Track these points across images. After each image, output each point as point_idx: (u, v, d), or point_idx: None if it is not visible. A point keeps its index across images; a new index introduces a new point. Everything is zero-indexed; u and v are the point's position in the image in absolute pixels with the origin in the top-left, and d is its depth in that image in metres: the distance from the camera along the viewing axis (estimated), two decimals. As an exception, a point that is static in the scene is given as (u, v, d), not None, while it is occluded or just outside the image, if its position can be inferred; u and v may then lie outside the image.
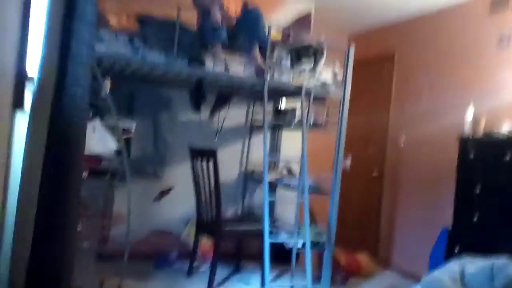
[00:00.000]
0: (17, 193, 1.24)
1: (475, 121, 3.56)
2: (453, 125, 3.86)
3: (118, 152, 2.93)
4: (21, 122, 1.24)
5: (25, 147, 1.24)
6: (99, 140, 2.85)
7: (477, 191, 3.35)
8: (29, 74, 1.24)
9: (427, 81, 4.45)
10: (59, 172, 1.26)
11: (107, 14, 2.88)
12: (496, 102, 3.67)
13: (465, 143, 3.54)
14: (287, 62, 3.42)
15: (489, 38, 3.83)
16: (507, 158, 3.14)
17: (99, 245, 3.27)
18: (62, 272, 1.38)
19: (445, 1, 4.19)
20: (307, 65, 3.46)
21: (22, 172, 1.23)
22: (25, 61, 1.23)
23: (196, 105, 3.76)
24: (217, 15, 2.96)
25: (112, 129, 2.97)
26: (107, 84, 2.86)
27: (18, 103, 1.21)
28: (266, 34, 3.23)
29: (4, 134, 1.18)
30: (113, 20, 2.90)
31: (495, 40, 3.77)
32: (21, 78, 1.22)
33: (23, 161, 1.24)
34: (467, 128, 3.60)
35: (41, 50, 1.28)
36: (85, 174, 2.78)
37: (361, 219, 5.18)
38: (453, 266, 1.74)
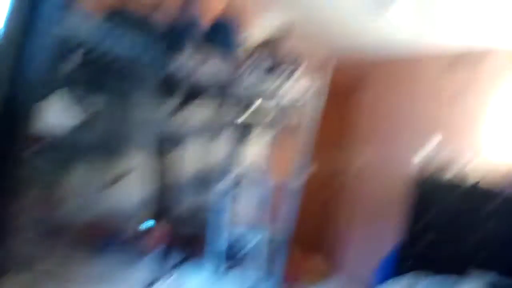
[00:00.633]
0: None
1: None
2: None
3: (77, 128, 2.90)
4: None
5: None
6: (58, 114, 2.81)
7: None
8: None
9: (387, 122, 4.54)
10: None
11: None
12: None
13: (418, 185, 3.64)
14: (261, 71, 3.42)
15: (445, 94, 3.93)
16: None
17: (45, 223, 3.22)
18: None
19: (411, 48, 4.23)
20: (281, 76, 3.47)
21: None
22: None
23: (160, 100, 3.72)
24: (192, 11, 2.93)
25: (73, 105, 2.93)
26: (72, 60, 2.83)
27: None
28: (238, 45, 3.21)
29: None
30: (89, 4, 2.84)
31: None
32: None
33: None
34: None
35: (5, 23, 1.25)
36: (37, 147, 2.75)
37: (320, 221, 5.23)
38: (403, 283, 1.77)
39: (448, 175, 3.55)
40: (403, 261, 3.58)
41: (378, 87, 4.76)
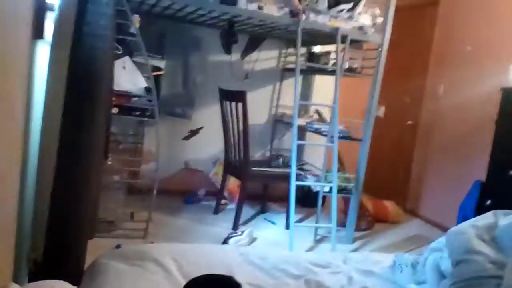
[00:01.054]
0: (39, 125, 1.26)
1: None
2: (497, 77, 3.67)
3: (148, 90, 2.95)
4: (42, 53, 1.24)
5: (46, 79, 1.25)
6: (128, 77, 2.86)
7: (515, 144, 3.22)
8: (50, 2, 1.22)
9: (472, 29, 4.18)
10: (81, 105, 1.27)
11: None
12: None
13: (508, 95, 3.36)
14: (324, 2, 3.25)
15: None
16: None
17: (129, 179, 3.38)
18: (85, 209, 1.42)
19: None
20: (345, 5, 3.29)
21: (44, 104, 1.25)
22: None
23: (227, 47, 3.70)
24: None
25: (142, 67, 2.97)
26: (136, 22, 2.83)
27: (38, 33, 1.20)
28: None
29: (24, 65, 1.19)
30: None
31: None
32: (41, 7, 1.21)
33: (45, 93, 1.25)
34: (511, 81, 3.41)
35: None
36: (115, 109, 2.83)
37: (391, 168, 5.12)
38: (484, 219, 1.69)
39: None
40: (484, 197, 3.43)
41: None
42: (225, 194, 4.02)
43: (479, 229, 1.61)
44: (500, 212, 1.77)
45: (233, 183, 4.06)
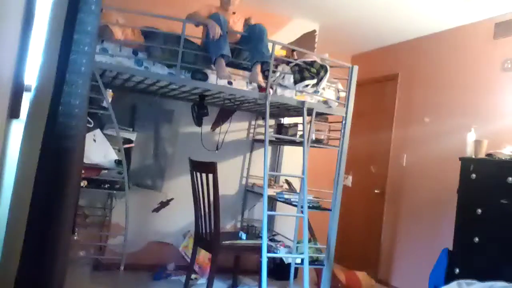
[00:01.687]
0: (9, 201, 1.24)
1: (477, 143, 3.55)
2: (455, 146, 3.87)
3: (118, 162, 2.94)
4: (17, 131, 1.25)
5: (19, 156, 1.25)
6: (99, 149, 2.87)
7: (479, 212, 3.32)
8: (27, 83, 1.25)
9: (430, 101, 4.46)
10: (52, 181, 1.26)
11: (112, 27, 2.92)
12: (498, 124, 3.68)
13: (467, 164, 3.52)
14: (290, 78, 3.43)
15: (493, 61, 3.85)
16: (509, 180, 3.12)
17: (96, 255, 3.27)
18: (52, 283, 1.37)
19: (448, 22, 4.22)
20: (310, 81, 3.47)
21: (14, 181, 1.24)
22: (23, 72, 1.25)
23: (198, 118, 3.79)
24: (214, 30, 2.98)
25: (113, 139, 2.99)
26: (108, 95, 2.89)
27: (14, 113, 1.22)
28: (270, 50, 3.25)
29: (-1, 142, 1.19)
30: (118, 33, 2.93)
31: (499, 63, 3.79)
32: (18, 89, 1.24)
33: (16, 170, 1.24)
34: (469, 150, 3.59)
35: (40, 60, 1.29)
36: (83, 183, 2.80)
37: (362, 237, 5.15)
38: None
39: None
40: (453, 266, 3.47)
41: (417, 67, 4.68)
42: (196, 268, 3.91)
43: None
44: (463, 282, 1.80)
45: (203, 256, 3.97)
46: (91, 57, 1.38)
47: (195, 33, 3.27)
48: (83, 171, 2.62)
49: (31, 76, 1.30)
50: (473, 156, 3.53)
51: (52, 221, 1.28)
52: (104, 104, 2.83)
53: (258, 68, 3.20)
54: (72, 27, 1.29)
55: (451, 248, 3.57)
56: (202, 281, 3.81)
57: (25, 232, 1.22)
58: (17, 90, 1.23)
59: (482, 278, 2.39)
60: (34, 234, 1.23)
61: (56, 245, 1.32)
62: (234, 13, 3.59)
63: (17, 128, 1.27)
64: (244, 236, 3.67)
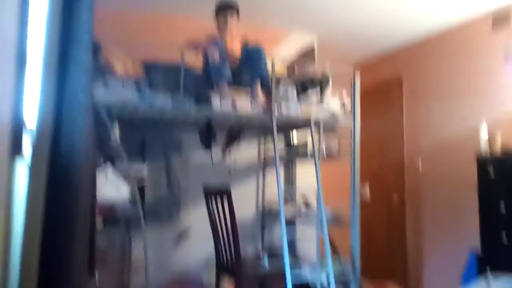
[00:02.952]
0: (19, 247, 1.22)
1: (491, 138, 3.49)
2: (469, 144, 3.81)
3: (132, 198, 2.93)
4: (21, 168, 1.25)
5: (26, 197, 1.24)
6: (111, 187, 2.85)
7: (502, 209, 3.23)
8: (27, 123, 1.26)
9: (438, 102, 4.42)
10: (60, 221, 1.24)
11: (112, 62, 2.95)
12: (509, 116, 3.62)
13: (483, 162, 3.45)
14: (293, 94, 3.42)
15: (495, 54, 3.82)
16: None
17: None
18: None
19: (447, 22, 4.21)
20: (313, 96, 3.46)
21: (24, 224, 1.22)
22: (22, 108, 1.25)
23: (207, 145, 3.77)
24: (214, 55, 3.00)
25: (125, 175, 2.98)
26: (116, 131, 2.90)
27: (16, 150, 1.21)
28: (269, 69, 3.25)
29: (3, 184, 1.18)
30: (118, 68, 2.96)
31: (501, 55, 3.76)
32: (18, 125, 1.23)
33: (25, 212, 1.23)
34: (484, 146, 3.53)
35: (38, 98, 1.30)
36: (100, 223, 2.78)
37: (386, 248, 5.04)
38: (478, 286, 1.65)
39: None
40: (483, 267, 3.36)
41: (420, 70, 4.64)
42: (221, 296, 3.83)
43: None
44: (490, 276, 1.74)
45: (228, 285, 3.89)
46: (88, 89, 1.38)
47: (195, 60, 3.29)
48: (97, 211, 2.60)
49: (30, 112, 1.31)
50: (489, 154, 3.46)
51: (64, 262, 1.26)
52: (113, 140, 2.83)
53: (258, 86, 3.20)
54: (66, 60, 1.29)
55: (479, 248, 3.47)
56: (229, 310, 3.72)
57: (37, 276, 1.19)
58: (17, 127, 1.23)
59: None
60: (47, 278, 1.20)
61: (71, 285, 1.29)
62: (231, 35, 3.61)
63: (21, 164, 1.27)
64: (266, 261, 3.60)
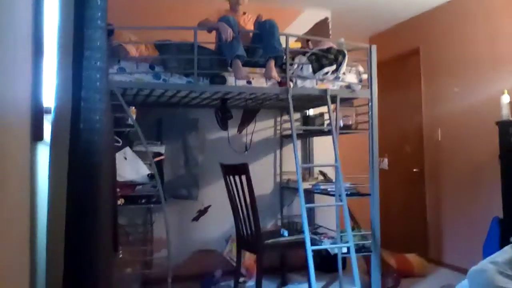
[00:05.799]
0: (45, 227, 1.27)
1: (512, 104, 3.41)
2: (490, 112, 3.73)
3: (151, 176, 2.98)
4: (42, 153, 1.28)
5: (48, 178, 1.28)
6: (130, 166, 2.91)
7: (524, 175, 3.18)
8: (47, 105, 1.29)
9: (456, 70, 4.32)
10: (83, 198, 1.28)
11: (126, 46, 2.97)
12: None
13: (505, 128, 3.39)
14: (309, 68, 3.38)
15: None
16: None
17: (142, 270, 3.31)
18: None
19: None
20: (329, 68, 3.41)
21: (48, 205, 1.26)
22: (41, 94, 1.28)
23: (223, 122, 3.79)
24: (226, 32, 2.98)
25: (143, 155, 3.03)
26: (132, 112, 2.93)
27: (37, 135, 1.25)
28: (283, 44, 3.21)
29: (26, 167, 1.22)
30: (132, 51, 2.98)
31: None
32: (38, 111, 1.27)
33: (48, 193, 1.27)
34: (505, 112, 3.45)
35: (55, 81, 1.32)
36: (120, 201, 2.85)
37: (406, 218, 5.03)
38: (503, 254, 1.64)
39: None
40: (506, 234, 3.33)
41: (437, 37, 4.53)
42: (242, 271, 3.91)
43: (499, 265, 1.55)
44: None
45: (249, 258, 3.96)
46: (104, 71, 1.40)
47: (208, 39, 3.28)
48: (118, 190, 2.67)
49: (49, 98, 1.33)
50: (510, 118, 3.39)
51: (89, 238, 1.30)
52: (129, 121, 2.87)
53: (271, 63, 3.17)
54: (81, 45, 1.31)
55: (501, 216, 3.43)
56: (251, 283, 3.80)
57: (64, 256, 1.24)
58: (37, 113, 1.26)
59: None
60: (73, 254, 1.25)
61: (97, 263, 1.34)
62: (244, 13, 3.58)
63: (43, 150, 1.30)
64: (286, 233, 3.64)
